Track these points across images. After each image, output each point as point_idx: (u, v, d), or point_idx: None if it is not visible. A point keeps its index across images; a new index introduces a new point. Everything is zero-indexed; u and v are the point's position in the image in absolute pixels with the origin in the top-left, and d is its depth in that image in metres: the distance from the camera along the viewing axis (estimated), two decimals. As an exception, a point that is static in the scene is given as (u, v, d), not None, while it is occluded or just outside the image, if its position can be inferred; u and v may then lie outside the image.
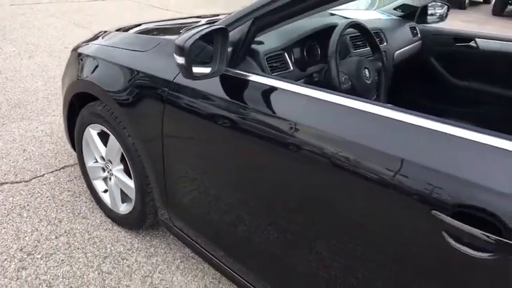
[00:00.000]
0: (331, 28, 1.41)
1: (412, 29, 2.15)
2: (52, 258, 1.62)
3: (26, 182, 2.09)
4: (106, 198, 1.84)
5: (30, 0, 6.64)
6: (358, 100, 0.89)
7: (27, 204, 1.92)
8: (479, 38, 2.03)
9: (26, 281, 1.50)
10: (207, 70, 1.05)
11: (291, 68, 1.31)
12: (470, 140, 0.73)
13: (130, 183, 1.62)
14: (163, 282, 1.56)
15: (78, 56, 1.72)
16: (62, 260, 1.62)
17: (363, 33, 1.54)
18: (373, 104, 0.87)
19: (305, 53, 1.41)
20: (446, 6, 2.24)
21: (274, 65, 1.26)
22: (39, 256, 1.63)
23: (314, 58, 1.45)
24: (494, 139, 0.71)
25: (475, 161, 0.71)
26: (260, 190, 1.07)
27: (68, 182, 2.11)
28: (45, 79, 3.46)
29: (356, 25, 1.47)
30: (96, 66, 1.58)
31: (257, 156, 1.04)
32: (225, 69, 1.12)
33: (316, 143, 0.90)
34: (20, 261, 1.59)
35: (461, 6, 11.43)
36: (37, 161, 2.27)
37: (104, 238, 1.75)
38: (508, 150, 0.70)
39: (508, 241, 0.66)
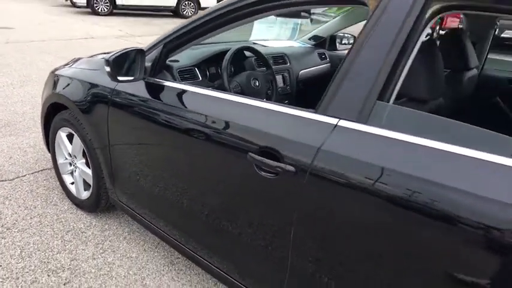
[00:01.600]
0: (237, 51, 1.96)
1: (321, 54, 2.73)
2: (26, 232, 2.07)
3: (9, 180, 2.55)
4: (73, 188, 2.31)
5: (24, 39, 7.29)
6: (237, 96, 1.39)
7: (10, 196, 2.37)
8: None
9: (5, 246, 1.95)
10: (130, 78, 1.57)
11: (200, 78, 1.85)
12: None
13: (89, 171, 2.10)
14: (111, 247, 2.01)
15: (54, 76, 2.23)
16: (34, 233, 2.07)
17: (256, 55, 2.10)
18: (242, 97, 1.37)
19: (214, 69, 1.94)
20: (353, 37, 2.83)
21: (186, 76, 1.80)
22: (16, 230, 2.07)
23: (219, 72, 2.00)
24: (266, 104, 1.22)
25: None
26: (178, 166, 1.54)
27: (44, 181, 2.57)
28: (33, 104, 3.98)
29: (248, 48, 2.03)
30: (66, 83, 2.09)
31: (172, 139, 1.52)
32: (147, 78, 1.65)
33: (209, 124, 1.36)
34: (1, 233, 2.03)
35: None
36: (20, 165, 2.74)
37: (68, 218, 2.21)
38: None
39: (283, 165, 1.14)
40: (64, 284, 1.75)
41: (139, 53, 1.58)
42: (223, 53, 1.94)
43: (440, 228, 0.90)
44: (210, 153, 1.38)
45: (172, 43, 1.62)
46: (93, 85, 1.90)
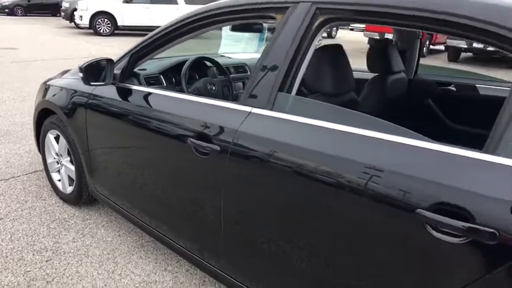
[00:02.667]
0: (197, 61, 2.28)
1: None
2: (16, 221, 2.36)
3: (5, 180, 2.86)
4: (59, 185, 2.61)
5: (28, 58, 7.73)
6: (186, 95, 1.70)
7: (4, 192, 2.68)
8: None
9: (-3, 232, 2.24)
10: (101, 82, 1.89)
11: (165, 84, 2.16)
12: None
13: (73, 168, 2.40)
14: (90, 233, 2.29)
15: (45, 86, 2.56)
16: (23, 222, 2.36)
17: (214, 65, 2.42)
18: (189, 95, 1.68)
19: (178, 76, 2.26)
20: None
21: (152, 82, 2.11)
22: (8, 220, 2.36)
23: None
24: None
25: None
26: (142, 158, 1.83)
27: (36, 180, 2.88)
28: (31, 116, 4.31)
29: (207, 59, 2.36)
30: (54, 91, 2.41)
31: (137, 134, 1.81)
32: (116, 83, 1.96)
33: (167, 118, 1.64)
34: (-6, 222, 2.33)
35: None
36: (16, 168, 3.05)
37: (55, 210, 2.50)
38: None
39: (211, 145, 1.42)
40: (46, 261, 2.02)
41: (109, 62, 1.90)
42: (185, 63, 2.27)
43: (324, 190, 1.18)
44: (165, 144, 1.68)
45: (137, 54, 1.94)
46: (75, 91, 2.21)
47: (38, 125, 2.66)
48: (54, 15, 19.68)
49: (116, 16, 12.92)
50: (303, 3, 1.38)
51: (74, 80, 2.31)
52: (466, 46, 11.52)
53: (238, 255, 1.52)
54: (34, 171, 3.01)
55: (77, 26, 13.97)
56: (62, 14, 15.79)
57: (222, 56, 2.79)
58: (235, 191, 1.42)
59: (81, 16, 13.08)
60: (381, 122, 1.16)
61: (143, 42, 1.90)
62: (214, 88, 2.21)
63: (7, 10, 20.51)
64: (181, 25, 1.76)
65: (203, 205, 1.57)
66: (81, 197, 2.44)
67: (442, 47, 13.79)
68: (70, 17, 14.71)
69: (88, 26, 13.06)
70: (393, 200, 1.04)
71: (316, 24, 1.35)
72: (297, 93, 1.42)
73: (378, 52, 2.07)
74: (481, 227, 0.90)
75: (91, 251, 2.13)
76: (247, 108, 1.41)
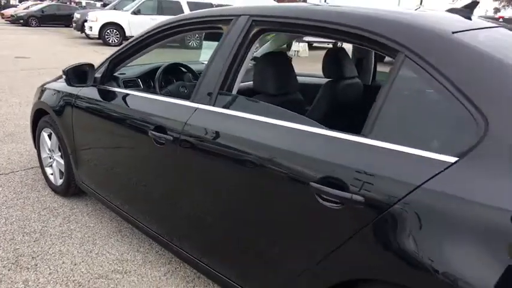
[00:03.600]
0: (174, 67, 2.55)
1: None
2: (12, 208, 2.64)
3: (5, 174, 3.16)
4: (52, 178, 2.90)
5: (38, 66, 8.15)
6: (154, 95, 1.97)
7: (3, 184, 2.97)
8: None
9: (-7, 217, 2.52)
10: (83, 84, 2.18)
11: (141, 86, 2.44)
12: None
13: (63, 162, 2.68)
14: (75, 219, 2.56)
15: (41, 88, 2.86)
16: (17, 209, 2.64)
17: (187, 70, 2.69)
18: (156, 95, 1.95)
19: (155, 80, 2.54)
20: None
21: (130, 84, 2.39)
22: (4, 207, 2.65)
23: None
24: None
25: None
26: (119, 151, 2.10)
27: (33, 175, 3.17)
28: (35, 119, 4.64)
29: (181, 65, 2.63)
30: (48, 93, 2.71)
31: (115, 130, 2.07)
32: (97, 85, 2.24)
33: (137, 116, 1.91)
34: (-8, 209, 2.62)
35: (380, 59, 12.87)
36: (16, 164, 3.36)
37: (47, 200, 2.78)
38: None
39: (166, 135, 1.69)
40: (34, 241, 2.29)
41: (90, 66, 2.19)
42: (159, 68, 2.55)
43: (249, 168, 1.43)
44: (135, 138, 1.94)
45: (115, 60, 2.23)
46: (64, 93, 2.50)
47: (34, 123, 2.96)
48: (67, 25, 20.32)
49: (124, 27, 13.42)
50: (243, 16, 1.65)
51: (64, 84, 2.60)
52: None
53: (193, 233, 1.77)
54: (32, 167, 3.31)
55: (87, 37, 14.50)
56: (74, 25, 16.38)
57: (202, 63, 3.06)
58: (187, 174, 1.68)
59: (91, 27, 13.60)
60: (289, 113, 1.41)
61: (120, 50, 2.19)
62: (185, 91, 2.48)
63: (22, 21, 21.29)
64: (150, 35, 2.04)
65: (165, 190, 1.83)
66: (69, 188, 2.72)
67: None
68: (81, 28, 15.26)
69: (97, 36, 13.57)
70: (293, 175, 1.29)
71: (252, 33, 1.62)
72: (246, 93, 1.68)
73: (331, 59, 2.32)
74: (354, 195, 1.14)
75: (74, 234, 2.40)
76: (195, 105, 1.68)
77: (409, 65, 1.18)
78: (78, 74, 2.17)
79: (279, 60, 1.90)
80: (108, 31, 13.50)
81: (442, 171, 1.03)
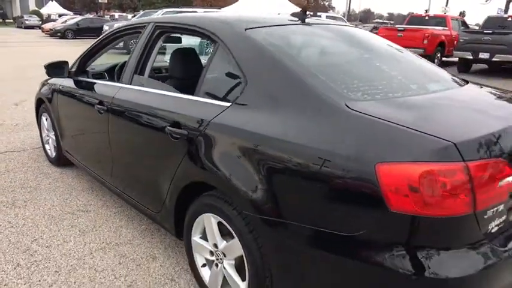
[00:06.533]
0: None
1: None
2: (17, 173, 3.51)
3: (18, 151, 4.07)
4: (49, 152, 3.76)
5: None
6: (113, 82, 2.77)
7: (15, 158, 3.87)
8: None
9: (2, 177, 3.39)
10: (60, 76, 3.01)
11: (107, 78, 3.24)
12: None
13: (54, 138, 3.53)
14: (62, 181, 3.39)
15: (43, 83, 3.73)
16: (21, 173, 3.50)
17: None
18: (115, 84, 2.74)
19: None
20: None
21: (98, 77, 3.20)
22: (12, 173, 3.52)
23: None
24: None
25: None
26: (89, 127, 2.89)
27: (38, 152, 4.06)
28: (50, 114, 5.60)
29: None
30: (46, 86, 3.57)
31: (85, 110, 2.87)
32: (72, 77, 3.07)
33: (91, 96, 2.72)
34: (4, 173, 3.49)
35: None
36: (27, 145, 4.27)
37: (44, 168, 3.64)
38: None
39: (102, 106, 2.46)
40: (28, 192, 3.13)
41: (65, 63, 3.01)
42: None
43: (145, 124, 2.18)
44: (93, 112, 2.72)
45: (83, 58, 3.05)
46: (53, 85, 3.35)
47: (36, 111, 3.85)
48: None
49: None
50: (151, 23, 2.40)
51: (55, 79, 3.45)
52: (472, 57, 11.87)
53: (117, 172, 2.53)
54: (38, 147, 4.20)
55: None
56: (103, 36, 17.80)
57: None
58: (115, 133, 2.44)
59: (116, 37, 14.84)
60: (164, 85, 2.15)
61: (85, 52, 3.00)
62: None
63: (59, 34, 23.18)
64: (102, 40, 2.84)
65: (104, 145, 2.59)
66: (59, 158, 3.56)
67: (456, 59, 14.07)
68: (109, 39, 16.59)
69: (123, 45, 14.77)
70: (160, 122, 2.01)
71: (155, 34, 2.36)
72: (160, 77, 2.43)
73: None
74: (183, 131, 1.86)
75: (58, 189, 3.22)
76: (121, 85, 2.45)
77: (220, 50, 1.89)
78: (56, 68, 3.00)
79: (188, 53, 2.62)
80: (132, 41, 14.67)
81: (222, 111, 1.73)
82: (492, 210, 1.27)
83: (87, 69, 3.18)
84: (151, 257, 2.33)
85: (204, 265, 1.97)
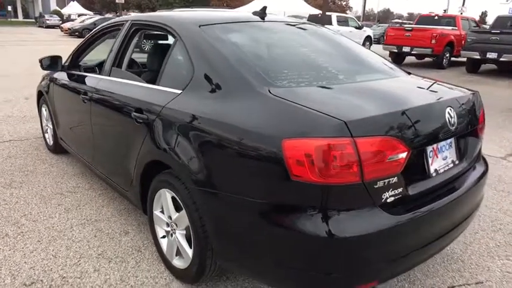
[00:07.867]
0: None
1: None
2: (17, 159, 3.83)
3: (21, 140, 4.40)
4: (48, 141, 4.07)
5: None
6: (102, 76, 3.05)
7: (19, 145, 4.20)
8: None
9: (5, 160, 3.71)
10: (54, 69, 3.30)
11: (98, 72, 3.52)
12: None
13: (52, 127, 3.84)
14: (57, 166, 3.69)
15: (43, 77, 4.04)
16: (21, 159, 3.82)
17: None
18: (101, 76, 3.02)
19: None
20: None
21: (88, 70, 3.48)
22: (13, 159, 3.84)
23: None
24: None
25: None
26: (79, 117, 3.17)
27: (40, 141, 4.38)
28: (56, 107, 5.95)
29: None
30: (44, 80, 3.88)
31: (76, 101, 3.15)
32: (65, 70, 3.36)
33: (80, 87, 3.00)
34: (6, 158, 3.82)
35: (440, 67, 13.13)
36: (31, 135, 4.60)
37: (42, 155, 3.95)
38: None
39: (86, 95, 2.74)
40: (25, 175, 3.44)
41: (59, 57, 3.31)
42: None
43: (116, 110, 2.43)
44: (77, 100, 3.00)
45: (75, 53, 3.33)
46: (50, 78, 3.65)
47: (38, 102, 4.17)
48: (115, 36, 22.51)
49: (157, 36, 14.94)
50: (129, 21, 2.65)
51: (56, 74, 3.75)
52: (479, 57, 11.81)
53: (96, 155, 2.80)
54: (40, 137, 4.53)
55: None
56: (118, 35, 18.29)
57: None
58: (96, 119, 2.71)
59: (129, 36, 15.28)
60: (136, 77, 2.40)
61: (76, 47, 3.29)
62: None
63: (77, 33, 23.88)
64: (90, 37, 3.12)
65: (87, 131, 2.86)
66: (56, 146, 3.87)
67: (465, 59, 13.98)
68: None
69: (139, 50, 15.21)
70: (128, 109, 2.26)
71: (131, 31, 2.62)
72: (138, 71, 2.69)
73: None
74: (144, 115, 2.10)
75: (52, 173, 3.52)
76: (101, 76, 2.72)
77: (178, 44, 2.12)
78: (50, 62, 3.29)
79: (155, 49, 2.85)
80: (144, 41, 15.07)
81: (175, 97, 1.96)
82: (383, 181, 1.47)
83: (80, 63, 3.46)
84: (124, 232, 2.59)
85: (163, 237, 2.20)
